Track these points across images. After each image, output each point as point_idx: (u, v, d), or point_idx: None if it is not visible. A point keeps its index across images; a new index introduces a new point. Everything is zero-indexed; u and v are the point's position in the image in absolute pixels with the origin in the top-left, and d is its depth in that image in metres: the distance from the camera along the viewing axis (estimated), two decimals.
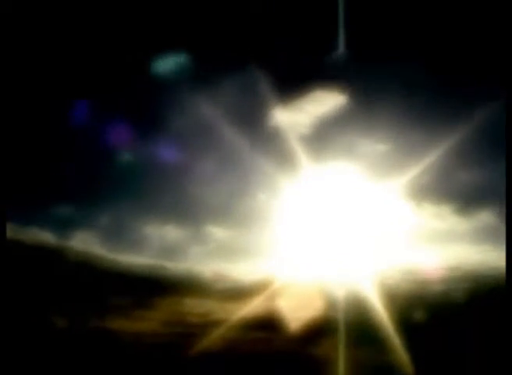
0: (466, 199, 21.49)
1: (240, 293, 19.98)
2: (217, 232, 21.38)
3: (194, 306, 19.70)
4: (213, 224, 21.42)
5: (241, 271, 20.69)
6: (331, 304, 19.05)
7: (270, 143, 21.71)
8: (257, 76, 21.23)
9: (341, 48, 21.18)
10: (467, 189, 21.61)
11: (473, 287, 19.79)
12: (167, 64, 21.20)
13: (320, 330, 18.20)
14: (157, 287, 20.20)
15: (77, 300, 18.92)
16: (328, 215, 21.26)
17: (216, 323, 18.49)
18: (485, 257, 20.55)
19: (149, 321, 19.04)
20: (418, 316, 18.82)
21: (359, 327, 18.19)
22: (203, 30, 21.94)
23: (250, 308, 19.13)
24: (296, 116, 21.93)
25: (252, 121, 21.88)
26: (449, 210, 21.48)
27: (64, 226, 20.82)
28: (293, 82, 21.89)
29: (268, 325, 18.62)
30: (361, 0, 21.34)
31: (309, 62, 22.09)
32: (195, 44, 21.86)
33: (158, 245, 21.13)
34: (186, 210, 21.43)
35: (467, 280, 19.99)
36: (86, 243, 20.72)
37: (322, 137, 21.83)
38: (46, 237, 20.58)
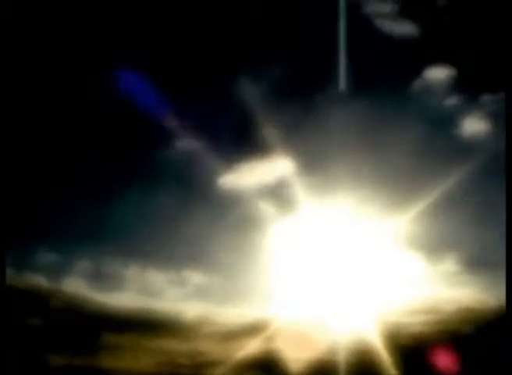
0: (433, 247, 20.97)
1: (229, 335, 19.92)
2: (199, 275, 21.44)
3: (184, 347, 19.73)
4: (195, 267, 21.42)
5: (229, 314, 20.65)
6: (328, 348, 18.84)
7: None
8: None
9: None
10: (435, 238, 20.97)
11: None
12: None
13: None
14: (144, 329, 20.31)
15: (69, 340, 19.38)
16: (314, 255, 21.19)
17: (208, 364, 18.54)
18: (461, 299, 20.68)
19: (139, 361, 19.19)
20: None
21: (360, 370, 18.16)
22: None
23: (243, 349, 18.95)
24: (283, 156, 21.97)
25: (236, 155, 22.06)
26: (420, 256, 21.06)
27: (51, 270, 21.25)
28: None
29: (262, 367, 18.48)
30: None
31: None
32: None
33: (141, 288, 21.41)
34: (168, 254, 21.32)
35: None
36: (73, 286, 21.22)
37: (310, 174, 21.76)
38: (36, 281, 21.08)
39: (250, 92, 21.95)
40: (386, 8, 22.91)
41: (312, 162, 21.76)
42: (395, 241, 20.66)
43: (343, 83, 21.84)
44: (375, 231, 20.87)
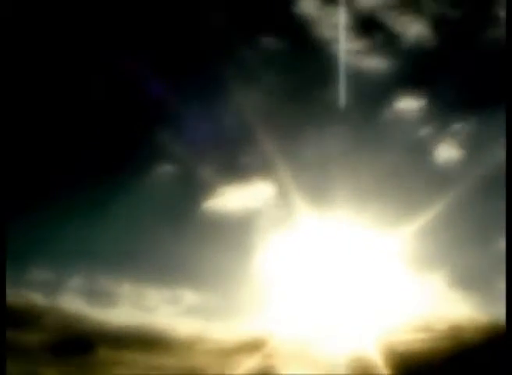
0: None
1: (224, 352, 20.01)
2: (192, 293, 21.78)
3: (179, 364, 19.74)
4: (188, 285, 21.77)
5: (223, 331, 20.76)
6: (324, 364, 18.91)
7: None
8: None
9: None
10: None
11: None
12: None
13: None
14: (139, 345, 20.37)
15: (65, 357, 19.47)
16: (305, 272, 21.56)
17: None
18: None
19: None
20: None
21: None
22: None
23: (239, 366, 19.08)
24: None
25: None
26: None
27: (46, 287, 21.41)
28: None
29: None
30: None
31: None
32: None
33: (136, 305, 21.67)
34: (162, 272, 21.57)
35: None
36: (69, 303, 21.28)
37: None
38: (31, 298, 21.20)
39: (231, 118, 22.76)
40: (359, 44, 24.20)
41: (293, 185, 22.70)
42: (387, 258, 21.21)
43: (319, 112, 23.00)
44: (365, 249, 21.37)
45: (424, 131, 23.17)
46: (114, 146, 22.12)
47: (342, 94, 22.40)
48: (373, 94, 22.90)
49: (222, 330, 20.64)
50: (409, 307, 20.58)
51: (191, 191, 22.22)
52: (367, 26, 23.25)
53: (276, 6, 23.07)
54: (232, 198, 22.18)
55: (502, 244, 20.51)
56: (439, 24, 23.17)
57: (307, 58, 23.07)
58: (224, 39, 22.76)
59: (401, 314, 20.46)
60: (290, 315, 20.55)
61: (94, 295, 21.05)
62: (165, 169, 22.77)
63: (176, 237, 21.57)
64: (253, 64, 22.98)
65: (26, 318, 20.08)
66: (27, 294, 20.55)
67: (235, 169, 22.29)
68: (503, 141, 21.81)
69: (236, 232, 21.76)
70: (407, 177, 22.24)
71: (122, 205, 21.53)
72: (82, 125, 22.17)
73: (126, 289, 21.07)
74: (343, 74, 22.55)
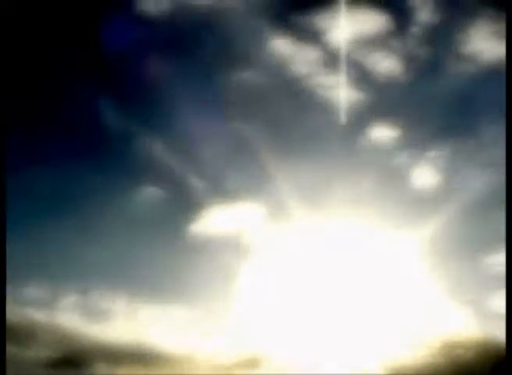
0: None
1: (218, 367, 20.24)
2: (185, 310, 22.11)
3: None
4: (181, 302, 22.12)
5: (216, 347, 21.07)
6: None
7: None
8: None
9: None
10: None
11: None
12: None
13: None
14: (134, 361, 20.66)
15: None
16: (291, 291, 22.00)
17: None
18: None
19: None
20: None
21: None
22: None
23: None
24: None
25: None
26: None
27: (42, 304, 21.71)
28: None
29: None
30: None
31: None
32: None
33: (130, 321, 22.08)
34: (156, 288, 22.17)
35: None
36: (64, 320, 21.54)
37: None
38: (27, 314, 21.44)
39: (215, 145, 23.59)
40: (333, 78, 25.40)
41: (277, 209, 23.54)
42: (380, 275, 21.87)
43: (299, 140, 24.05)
44: (354, 267, 22.03)
45: (400, 158, 24.38)
46: (103, 166, 22.87)
47: (320, 123, 23.60)
48: (349, 124, 24.03)
49: (214, 346, 20.95)
50: (404, 323, 21.14)
51: (180, 210, 22.95)
52: (340, 61, 24.49)
53: (252, 45, 24.21)
54: (220, 218, 23.02)
55: (486, 262, 21.79)
56: (409, 60, 24.65)
57: (283, 92, 24.20)
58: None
59: (396, 331, 20.94)
60: (283, 335, 20.92)
61: (90, 312, 21.37)
62: (154, 190, 23.59)
63: (167, 256, 22.14)
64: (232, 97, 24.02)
65: (23, 334, 20.18)
66: (23, 310, 20.72)
67: (223, 190, 23.12)
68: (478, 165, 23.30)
69: (225, 251, 22.40)
70: (384, 201, 23.28)
71: (113, 225, 22.17)
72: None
73: (120, 306, 21.45)
74: (319, 105, 23.83)
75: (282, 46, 24.00)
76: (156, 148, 22.87)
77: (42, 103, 22.64)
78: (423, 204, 23.01)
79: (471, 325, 20.90)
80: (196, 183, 22.78)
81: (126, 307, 21.22)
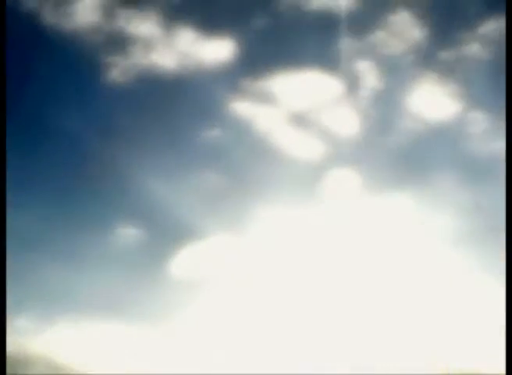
0: None
1: None
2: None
3: None
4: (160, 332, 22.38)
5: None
6: None
7: None
8: None
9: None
10: None
11: None
12: None
13: None
14: None
15: None
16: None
17: None
18: None
19: None
20: None
21: None
22: None
23: None
24: None
25: None
26: None
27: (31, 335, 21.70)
28: None
29: None
30: None
31: None
32: None
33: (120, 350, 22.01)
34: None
35: None
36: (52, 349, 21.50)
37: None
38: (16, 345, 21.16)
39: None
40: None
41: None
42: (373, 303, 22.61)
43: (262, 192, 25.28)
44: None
45: (363, 203, 25.77)
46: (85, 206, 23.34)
47: (282, 174, 25.02)
48: (309, 175, 25.50)
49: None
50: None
51: (156, 251, 23.61)
52: (301, 121, 26.22)
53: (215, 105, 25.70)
54: (195, 257, 23.73)
55: None
56: (362, 118, 26.55)
57: (245, 151, 25.63)
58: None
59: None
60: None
61: (80, 342, 21.36)
62: (131, 230, 24.24)
63: (147, 293, 22.60)
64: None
65: (14, 364, 19.86)
66: (14, 340, 20.44)
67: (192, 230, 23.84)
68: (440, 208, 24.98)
69: (201, 288, 23.07)
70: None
71: (94, 261, 22.49)
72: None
73: (108, 335, 21.56)
74: (279, 160, 25.38)
75: (243, 107, 25.68)
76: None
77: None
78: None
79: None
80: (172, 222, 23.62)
81: (113, 336, 21.49)
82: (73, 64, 24.04)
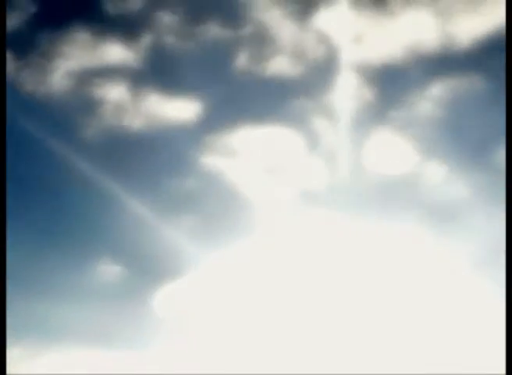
0: None
1: None
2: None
3: None
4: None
5: None
6: None
7: None
8: None
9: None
10: None
11: None
12: None
13: None
14: None
15: None
16: None
17: None
18: None
19: None
20: None
21: None
22: None
23: None
24: None
25: None
26: None
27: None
28: None
29: None
30: None
31: None
32: None
33: None
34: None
35: None
36: None
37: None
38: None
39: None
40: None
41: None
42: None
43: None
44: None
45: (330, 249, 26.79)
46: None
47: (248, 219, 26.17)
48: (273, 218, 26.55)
49: None
50: None
51: (138, 287, 24.16)
52: (264, 172, 27.68)
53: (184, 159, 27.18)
54: (173, 295, 24.24)
55: None
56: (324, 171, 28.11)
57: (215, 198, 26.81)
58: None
59: None
60: None
61: (68, 368, 21.31)
62: (113, 267, 24.68)
63: (131, 324, 22.90)
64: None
65: None
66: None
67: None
68: None
69: (184, 324, 23.45)
70: None
71: (79, 295, 22.93)
72: None
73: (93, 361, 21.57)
74: (246, 206, 26.54)
75: (209, 160, 27.20)
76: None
77: None
78: None
79: None
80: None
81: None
82: (48, 124, 25.43)
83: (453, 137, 27.42)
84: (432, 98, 27.94)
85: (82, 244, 23.85)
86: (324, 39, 28.63)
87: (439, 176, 27.16)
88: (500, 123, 25.82)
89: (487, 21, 26.90)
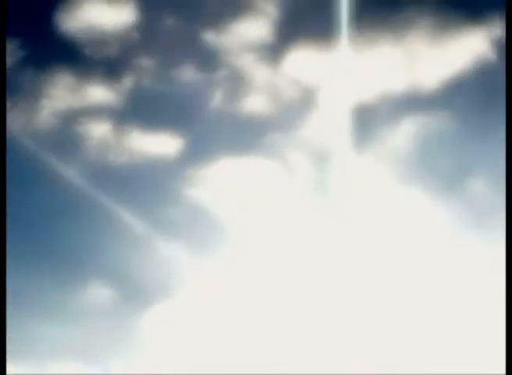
0: None
1: None
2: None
3: None
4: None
5: None
6: None
7: None
8: None
9: None
10: None
11: None
12: None
13: None
14: None
15: None
16: None
17: None
18: None
19: None
20: None
21: None
22: None
23: None
24: None
25: None
26: None
27: None
28: None
29: None
30: None
31: None
32: None
33: None
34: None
35: None
36: None
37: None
38: None
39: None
40: None
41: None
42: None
43: None
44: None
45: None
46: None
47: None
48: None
49: None
50: None
51: (127, 308, 24.84)
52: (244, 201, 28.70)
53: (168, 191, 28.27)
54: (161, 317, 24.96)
55: None
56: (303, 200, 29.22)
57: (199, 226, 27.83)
58: None
59: None
60: None
61: None
62: (102, 290, 25.35)
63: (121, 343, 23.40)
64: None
65: None
66: None
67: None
68: None
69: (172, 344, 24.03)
70: None
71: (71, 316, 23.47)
72: None
73: None
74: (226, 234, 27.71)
75: (191, 191, 28.35)
76: None
77: None
78: None
79: None
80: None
81: None
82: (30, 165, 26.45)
83: (426, 168, 28.57)
84: (402, 134, 29.28)
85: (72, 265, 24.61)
86: (295, 80, 30.18)
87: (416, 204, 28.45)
88: (468, 158, 27.39)
89: (452, 61, 28.37)
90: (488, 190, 26.43)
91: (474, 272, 23.78)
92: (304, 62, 29.87)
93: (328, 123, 29.76)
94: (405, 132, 29.38)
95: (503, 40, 24.72)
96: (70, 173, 26.66)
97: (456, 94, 27.95)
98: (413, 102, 29.03)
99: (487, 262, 22.96)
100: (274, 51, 30.23)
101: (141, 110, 28.57)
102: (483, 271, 23.33)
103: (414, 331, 23.22)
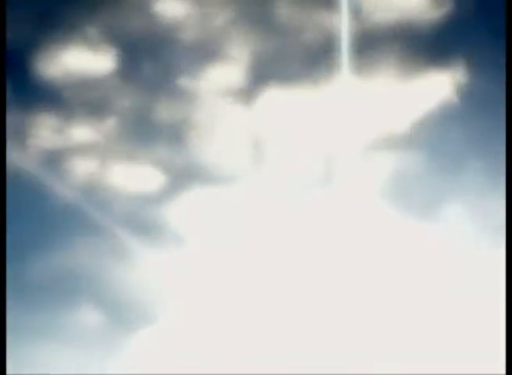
0: None
1: None
2: None
3: None
4: None
5: None
6: None
7: None
8: None
9: None
10: None
11: None
12: None
13: None
14: None
15: None
16: None
17: None
18: None
19: None
20: None
21: None
22: None
23: None
24: None
25: None
26: None
27: None
28: None
29: None
30: None
31: None
32: None
33: None
34: None
35: None
36: None
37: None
38: None
39: None
40: None
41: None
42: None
43: None
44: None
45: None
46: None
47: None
48: None
49: None
50: None
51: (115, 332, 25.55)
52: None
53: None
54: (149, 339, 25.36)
55: None
56: None
57: None
58: None
59: None
60: None
61: None
62: (94, 314, 25.77)
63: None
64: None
65: None
66: None
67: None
68: None
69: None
70: None
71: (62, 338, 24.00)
72: None
73: None
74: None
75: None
76: None
77: None
78: None
79: None
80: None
81: None
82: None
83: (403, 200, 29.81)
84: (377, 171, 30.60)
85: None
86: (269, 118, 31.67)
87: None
88: (441, 190, 28.70)
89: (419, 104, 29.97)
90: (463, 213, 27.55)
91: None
92: (279, 100, 31.49)
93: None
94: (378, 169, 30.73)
95: (467, 85, 26.02)
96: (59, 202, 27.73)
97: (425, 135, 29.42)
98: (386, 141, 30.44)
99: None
100: (247, 94, 31.78)
101: (125, 147, 29.79)
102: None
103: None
